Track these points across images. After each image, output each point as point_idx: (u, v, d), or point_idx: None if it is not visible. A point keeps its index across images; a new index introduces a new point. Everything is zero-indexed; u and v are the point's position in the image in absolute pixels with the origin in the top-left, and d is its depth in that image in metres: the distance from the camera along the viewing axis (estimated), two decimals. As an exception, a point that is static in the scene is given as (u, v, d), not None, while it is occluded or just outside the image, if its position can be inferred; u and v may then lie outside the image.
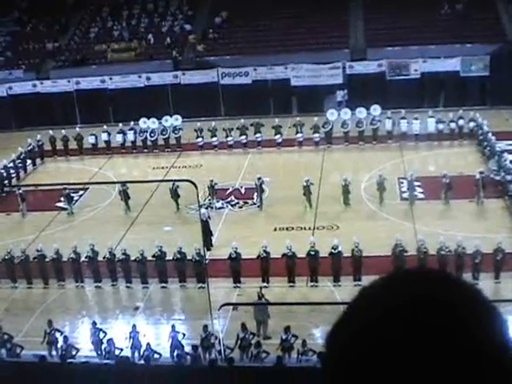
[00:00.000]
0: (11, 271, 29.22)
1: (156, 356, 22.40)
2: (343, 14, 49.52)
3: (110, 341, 23.11)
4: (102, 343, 23.29)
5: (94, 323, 24.11)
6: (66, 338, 23.27)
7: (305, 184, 33.29)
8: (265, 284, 27.25)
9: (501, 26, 46.49)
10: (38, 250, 28.98)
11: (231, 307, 25.48)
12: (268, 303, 24.82)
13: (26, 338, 23.74)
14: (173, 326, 23.58)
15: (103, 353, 23.08)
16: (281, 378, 19.39)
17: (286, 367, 20.51)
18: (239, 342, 22.80)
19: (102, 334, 23.58)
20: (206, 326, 23.22)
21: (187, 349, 22.91)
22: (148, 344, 22.77)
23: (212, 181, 34.90)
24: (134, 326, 23.80)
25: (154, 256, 28.06)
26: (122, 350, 22.98)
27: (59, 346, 23.22)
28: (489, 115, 40.55)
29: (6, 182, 39.13)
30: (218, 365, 20.81)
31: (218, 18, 50.96)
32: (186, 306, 27.38)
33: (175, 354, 22.73)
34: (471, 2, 47.06)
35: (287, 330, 22.78)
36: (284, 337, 22.70)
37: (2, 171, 39.14)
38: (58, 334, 23.72)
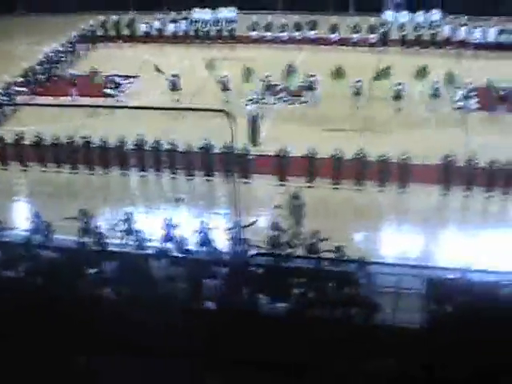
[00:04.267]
0: (58, 156, 29.36)
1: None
2: None
3: (139, 232, 23.03)
4: (137, 232, 23.19)
5: (127, 214, 23.93)
6: (99, 227, 23.18)
7: (355, 85, 32.95)
8: (309, 184, 27.12)
9: None
10: (84, 137, 29.04)
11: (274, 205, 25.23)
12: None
13: (64, 223, 23.70)
14: (202, 222, 23.25)
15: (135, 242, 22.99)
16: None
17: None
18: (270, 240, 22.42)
19: (134, 225, 23.46)
20: (237, 222, 22.98)
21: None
22: (181, 237, 22.57)
23: (266, 76, 34.58)
24: (170, 218, 23.53)
25: (200, 148, 27.98)
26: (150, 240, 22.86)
27: (93, 232, 23.11)
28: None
29: (57, 65, 38.95)
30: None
31: None
32: (227, 201, 27.27)
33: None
34: None
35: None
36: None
37: (53, 55, 38.97)
38: (90, 222, 23.55)
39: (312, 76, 34.14)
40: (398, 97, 32.82)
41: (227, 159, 27.68)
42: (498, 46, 39.12)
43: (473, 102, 32.79)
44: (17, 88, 35.34)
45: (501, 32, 39.23)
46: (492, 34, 39.36)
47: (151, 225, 23.77)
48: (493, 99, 32.41)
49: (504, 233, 24.06)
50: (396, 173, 26.84)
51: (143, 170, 28.83)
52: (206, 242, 22.59)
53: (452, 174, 26.42)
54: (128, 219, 23.56)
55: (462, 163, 26.34)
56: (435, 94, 32.79)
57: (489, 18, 40.52)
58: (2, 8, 47.40)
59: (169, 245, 22.34)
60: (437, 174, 26.66)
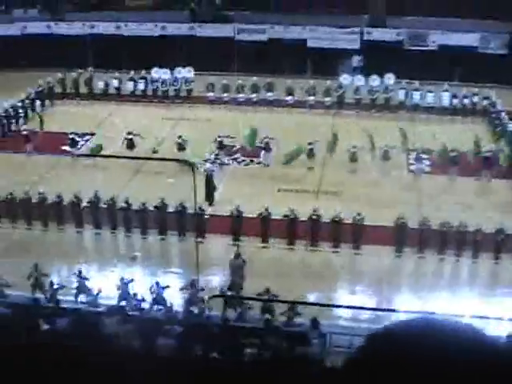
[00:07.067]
0: (12, 211, 29.22)
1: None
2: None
3: (97, 294, 23.03)
4: (91, 292, 23.17)
5: (80, 272, 23.96)
6: (51, 283, 23.20)
7: (309, 146, 33.43)
8: (264, 244, 27.31)
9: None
10: (39, 193, 28.98)
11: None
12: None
13: (20, 280, 23.58)
14: (157, 283, 23.29)
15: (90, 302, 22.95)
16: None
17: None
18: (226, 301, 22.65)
19: (88, 284, 23.49)
20: (193, 281, 23.14)
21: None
22: (135, 295, 22.61)
23: (219, 136, 34.94)
24: (123, 278, 23.57)
25: (155, 207, 28.03)
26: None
27: (45, 289, 23.09)
28: (503, 94, 40.13)
29: (14, 121, 38.91)
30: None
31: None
32: (182, 260, 27.29)
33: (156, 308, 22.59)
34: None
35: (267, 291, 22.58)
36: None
37: (11, 110, 38.96)
38: (44, 279, 23.57)
39: (267, 137, 34.51)
40: (353, 159, 33.33)
41: (182, 218, 27.87)
42: (450, 111, 40.00)
43: (425, 165, 33.43)
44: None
45: (453, 97, 40.10)
46: (445, 99, 40.21)
47: (106, 283, 23.74)
48: (444, 162, 33.01)
49: (454, 295, 24.41)
50: (350, 234, 27.13)
51: (98, 228, 28.77)
52: (160, 300, 22.62)
53: (405, 236, 26.84)
54: (81, 277, 23.57)
55: (414, 225, 26.77)
56: (388, 157, 33.35)
57: (441, 84, 41.36)
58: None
59: (123, 303, 22.29)
60: (390, 236, 27.04)
